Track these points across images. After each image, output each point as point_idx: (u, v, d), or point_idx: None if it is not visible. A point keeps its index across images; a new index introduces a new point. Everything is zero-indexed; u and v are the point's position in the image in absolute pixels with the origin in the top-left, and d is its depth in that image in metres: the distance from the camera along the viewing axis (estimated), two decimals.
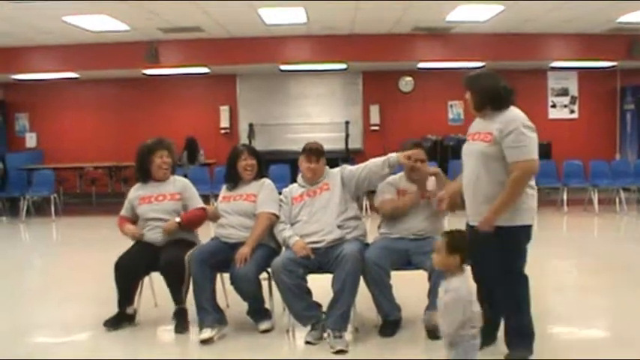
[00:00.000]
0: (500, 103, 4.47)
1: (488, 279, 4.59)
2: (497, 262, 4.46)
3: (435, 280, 5.03)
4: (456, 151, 13.27)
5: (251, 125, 14.88)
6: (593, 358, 4.60)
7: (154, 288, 5.83)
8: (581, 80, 15.12)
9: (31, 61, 13.22)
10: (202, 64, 13.50)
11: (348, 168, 5.54)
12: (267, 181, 5.70)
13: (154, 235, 5.61)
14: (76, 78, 13.98)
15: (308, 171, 5.51)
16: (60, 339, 5.42)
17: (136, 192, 5.81)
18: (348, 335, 5.06)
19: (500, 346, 4.66)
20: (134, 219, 5.79)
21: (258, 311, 5.42)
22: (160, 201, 5.68)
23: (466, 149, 4.68)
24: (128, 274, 5.41)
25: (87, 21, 10.78)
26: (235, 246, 5.32)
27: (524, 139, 4.32)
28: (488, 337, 4.67)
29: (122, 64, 13.02)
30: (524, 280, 4.50)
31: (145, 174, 5.80)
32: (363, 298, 5.26)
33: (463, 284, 3.71)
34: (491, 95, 4.48)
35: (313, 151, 5.49)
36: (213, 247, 5.43)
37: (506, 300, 4.53)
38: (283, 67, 13.77)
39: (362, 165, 5.45)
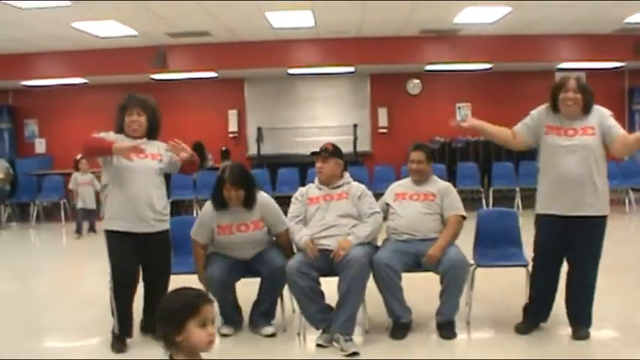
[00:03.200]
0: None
1: (573, 266, 5.02)
2: (591, 250, 4.93)
3: (449, 282, 5.08)
4: (464, 153, 13.32)
5: (259, 129, 14.91)
6: (602, 359, 4.62)
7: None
8: (589, 81, 14.61)
9: (40, 67, 13.27)
10: (210, 69, 13.53)
11: (367, 198, 5.51)
12: (263, 200, 5.48)
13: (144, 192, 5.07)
14: (84, 83, 14.04)
15: (317, 171, 5.55)
16: (69, 343, 5.48)
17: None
18: (358, 338, 5.08)
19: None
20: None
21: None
22: (142, 159, 5.09)
23: (564, 143, 4.91)
24: (130, 286, 5.15)
25: (95, 27, 10.82)
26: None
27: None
28: (535, 325, 5.23)
29: (130, 69, 13.05)
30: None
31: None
32: (374, 301, 5.28)
33: None
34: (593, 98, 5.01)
35: (321, 151, 5.54)
36: (230, 265, 5.39)
37: (588, 282, 4.98)
38: (291, 70, 13.80)
39: (368, 209, 5.43)
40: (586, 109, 4.93)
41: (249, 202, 5.34)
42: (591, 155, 4.81)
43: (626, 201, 12.21)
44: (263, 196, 5.50)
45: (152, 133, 5.30)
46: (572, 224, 4.86)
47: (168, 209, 5.36)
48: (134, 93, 5.31)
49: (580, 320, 5.01)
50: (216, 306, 5.29)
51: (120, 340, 5.06)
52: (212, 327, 2.46)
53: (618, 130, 4.87)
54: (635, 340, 5.06)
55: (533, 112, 5.16)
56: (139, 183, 5.05)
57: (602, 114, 4.92)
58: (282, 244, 5.51)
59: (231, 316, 5.45)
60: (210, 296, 2.57)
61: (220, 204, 5.34)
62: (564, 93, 4.91)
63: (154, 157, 5.19)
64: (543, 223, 5.07)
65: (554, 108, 5.01)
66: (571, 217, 4.86)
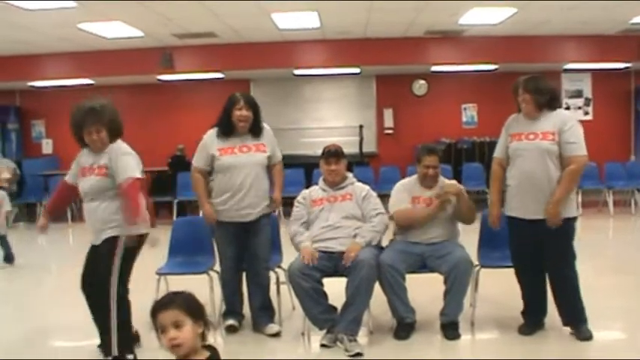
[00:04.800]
0: (557, 103, 5.12)
1: (546, 270, 5.07)
2: (560, 252, 4.94)
3: (452, 282, 5.09)
4: (469, 154, 13.32)
5: None
6: (606, 359, 4.63)
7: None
8: (595, 82, 15.04)
9: (47, 68, 13.31)
10: (216, 70, 13.54)
11: (372, 199, 5.54)
12: (268, 129, 5.56)
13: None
14: (91, 84, 14.06)
15: (329, 174, 5.53)
16: (75, 343, 5.52)
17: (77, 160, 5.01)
18: (363, 338, 5.10)
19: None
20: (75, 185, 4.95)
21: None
22: (85, 175, 4.87)
23: (523, 147, 5.00)
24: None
25: (102, 28, 10.83)
26: (251, 225, 5.40)
27: (579, 135, 4.91)
28: (537, 324, 5.25)
29: (137, 70, 13.07)
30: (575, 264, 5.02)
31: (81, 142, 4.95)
32: (378, 301, 5.30)
33: None
34: (551, 96, 5.04)
35: (332, 154, 5.53)
36: (234, 248, 5.43)
37: (568, 284, 4.98)
38: (297, 71, 13.79)
39: (373, 210, 5.46)
40: (539, 108, 4.99)
41: (256, 128, 5.42)
42: (550, 160, 4.88)
43: (632, 202, 12.21)
44: (267, 127, 5.57)
45: (113, 138, 4.92)
46: (539, 227, 4.93)
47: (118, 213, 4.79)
48: (85, 103, 4.88)
49: (574, 319, 5.04)
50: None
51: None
52: (174, 332, 2.50)
53: (572, 150, 4.88)
54: (636, 342, 5.07)
55: (503, 129, 5.31)
56: (89, 201, 4.85)
57: (564, 122, 4.94)
58: (276, 173, 5.58)
59: (235, 301, 5.50)
60: (172, 301, 2.59)
61: (227, 129, 5.37)
62: (517, 97, 5.07)
63: (100, 170, 4.81)
64: (513, 226, 5.17)
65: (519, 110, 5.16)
66: (538, 221, 4.92)
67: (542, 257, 5.05)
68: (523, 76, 5.12)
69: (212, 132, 5.46)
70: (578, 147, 4.88)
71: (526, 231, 5.03)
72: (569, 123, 4.94)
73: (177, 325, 2.51)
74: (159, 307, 2.57)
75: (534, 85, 5.02)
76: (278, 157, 5.62)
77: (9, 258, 9.00)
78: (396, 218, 5.54)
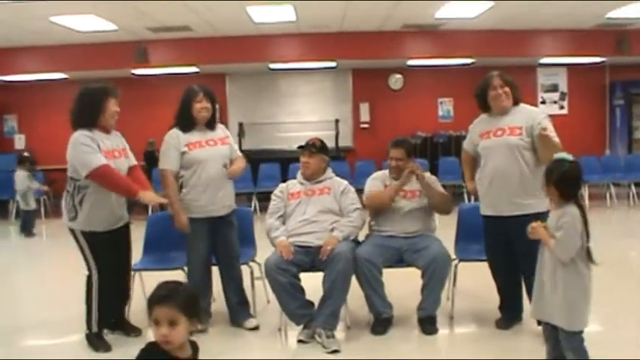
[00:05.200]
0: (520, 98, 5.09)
1: (519, 265, 4.99)
2: (533, 248, 4.66)
3: (430, 276, 5.06)
4: (446, 148, 13.35)
5: (241, 124, 14.82)
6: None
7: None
8: (571, 76, 15.13)
9: (19, 62, 13.15)
10: (191, 64, 13.45)
11: (350, 194, 5.52)
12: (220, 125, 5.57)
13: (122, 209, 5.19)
14: (64, 79, 13.91)
15: (301, 166, 5.54)
16: (49, 341, 5.42)
17: (92, 139, 4.98)
18: (339, 334, 5.06)
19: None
20: None
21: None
22: (118, 157, 5.09)
23: (492, 145, 4.98)
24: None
25: (75, 21, 10.72)
26: (221, 219, 5.34)
27: (551, 126, 4.79)
28: (515, 319, 5.25)
29: (111, 64, 12.93)
30: None
31: (94, 119, 5.11)
32: (355, 296, 5.26)
33: None
34: (518, 90, 5.08)
35: (307, 146, 5.52)
36: (207, 244, 5.33)
37: None
38: (273, 65, 13.74)
39: (351, 205, 5.44)
40: (515, 101, 5.03)
41: (213, 120, 5.38)
42: (519, 155, 4.86)
43: (607, 195, 12.29)
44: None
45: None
46: (509, 224, 4.90)
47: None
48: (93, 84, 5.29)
49: None
50: None
51: (101, 337, 5.01)
52: (167, 330, 2.50)
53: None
54: (610, 334, 5.08)
55: (470, 126, 5.35)
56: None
57: (532, 117, 4.93)
58: (241, 162, 5.47)
59: (205, 303, 5.35)
60: (171, 297, 2.55)
61: (188, 123, 5.25)
62: (493, 90, 5.02)
63: (124, 152, 5.30)
64: (485, 224, 5.17)
65: (485, 108, 5.14)
66: (508, 217, 4.92)
67: (515, 255, 5.01)
68: (494, 72, 5.12)
69: (174, 131, 5.27)
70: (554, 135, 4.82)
71: (500, 228, 5.01)
72: (537, 117, 4.90)
73: (172, 323, 2.50)
74: (157, 299, 2.55)
75: (510, 79, 5.06)
76: (237, 153, 5.53)
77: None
78: (368, 200, 5.54)
